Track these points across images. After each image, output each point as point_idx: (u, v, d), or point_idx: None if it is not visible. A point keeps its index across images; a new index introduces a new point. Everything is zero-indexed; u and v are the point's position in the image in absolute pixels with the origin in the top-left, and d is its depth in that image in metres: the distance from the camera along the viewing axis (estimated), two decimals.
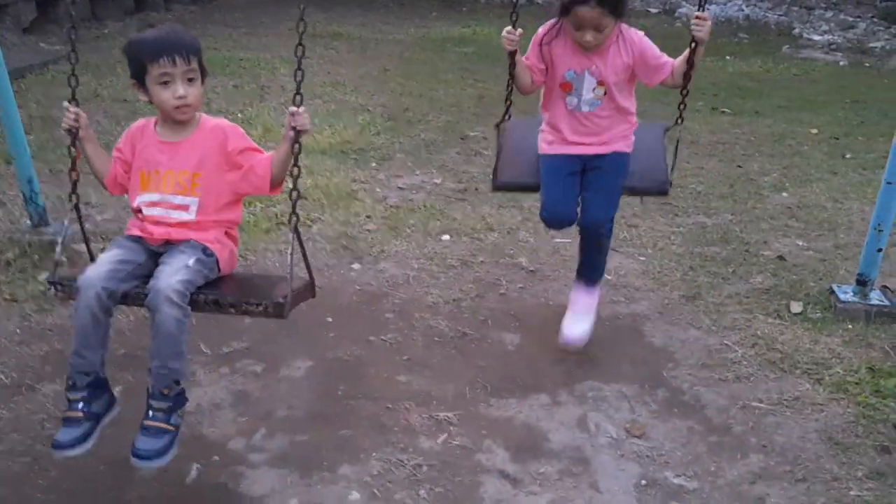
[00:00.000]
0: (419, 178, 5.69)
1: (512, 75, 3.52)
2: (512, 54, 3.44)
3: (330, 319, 3.88)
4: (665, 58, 3.47)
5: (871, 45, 10.95)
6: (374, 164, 5.90)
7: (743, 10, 12.80)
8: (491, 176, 3.71)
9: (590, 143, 3.51)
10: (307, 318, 3.87)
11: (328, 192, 5.22)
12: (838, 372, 3.56)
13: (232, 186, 2.84)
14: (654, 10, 13.08)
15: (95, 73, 7.48)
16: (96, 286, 2.55)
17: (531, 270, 4.42)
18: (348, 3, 12.57)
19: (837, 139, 6.98)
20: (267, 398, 3.30)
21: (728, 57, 9.76)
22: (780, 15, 12.73)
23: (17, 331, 3.68)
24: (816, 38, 11.32)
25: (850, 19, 12.34)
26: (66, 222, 2.95)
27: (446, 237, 4.78)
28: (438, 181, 5.66)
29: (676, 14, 12.59)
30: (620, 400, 3.36)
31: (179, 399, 2.61)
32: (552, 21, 3.46)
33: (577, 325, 3.58)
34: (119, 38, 8.97)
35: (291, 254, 2.72)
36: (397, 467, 2.94)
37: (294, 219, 2.74)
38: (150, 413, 2.56)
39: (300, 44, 2.64)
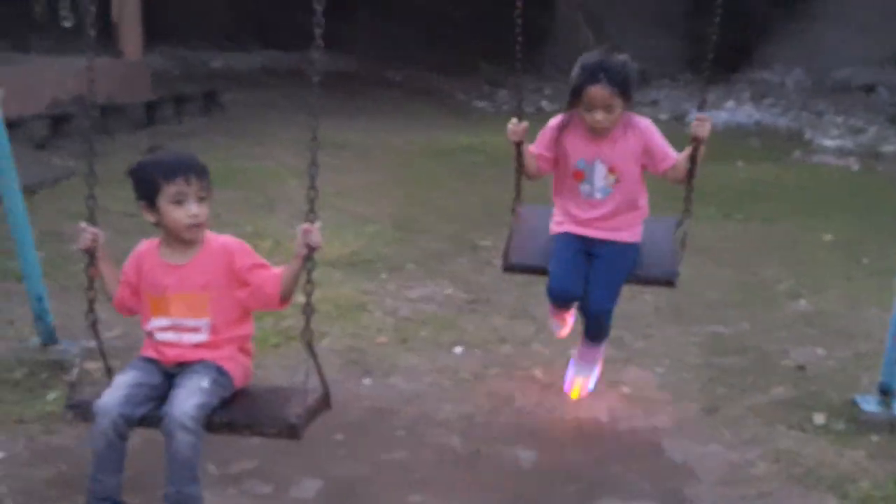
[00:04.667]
0: (429, 289, 5.67)
1: (519, 163, 3.72)
2: (517, 145, 3.66)
3: (340, 437, 3.80)
4: (670, 149, 3.62)
5: (882, 149, 11.04)
6: (383, 275, 5.89)
7: (753, 116, 12.98)
8: (502, 258, 3.84)
9: (599, 227, 3.65)
10: (317, 435, 3.76)
11: (337, 304, 5.19)
12: (864, 487, 3.45)
13: (241, 303, 2.90)
14: (663, 117, 13.28)
15: (106, 187, 7.48)
16: (113, 412, 2.64)
17: (546, 384, 4.34)
18: (355, 113, 12.80)
19: (852, 245, 6.95)
20: None
21: (739, 162, 9.84)
22: (791, 120, 12.91)
23: (24, 452, 3.60)
24: (827, 143, 11.43)
25: (861, 124, 12.49)
26: (80, 343, 3.03)
27: (458, 349, 4.73)
28: (449, 292, 5.63)
29: (686, 121, 12.77)
30: None
31: None
32: (562, 115, 3.69)
33: (581, 373, 3.84)
34: (129, 151, 9.14)
35: (307, 373, 2.75)
36: None
37: (308, 334, 2.76)
38: None
39: (313, 163, 2.72)
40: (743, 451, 3.73)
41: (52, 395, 4.00)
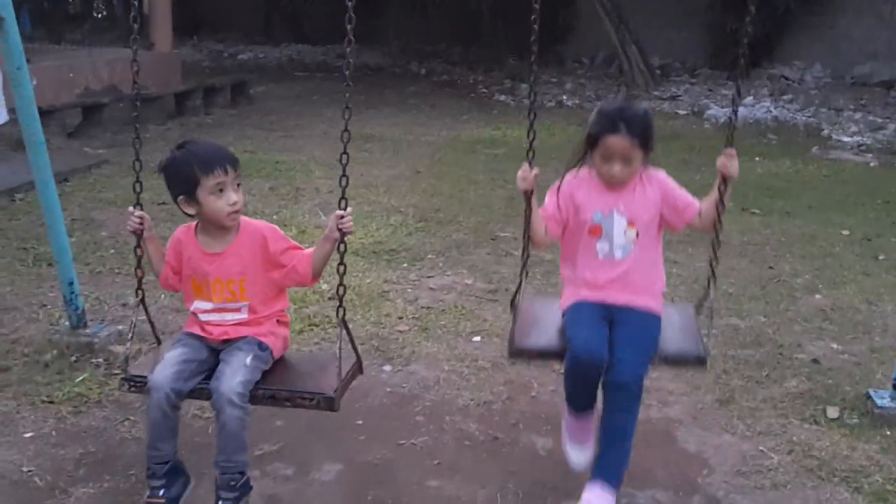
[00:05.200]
0: (450, 279, 5.74)
1: (527, 221, 3.28)
2: (528, 196, 3.22)
3: (360, 422, 3.88)
4: (691, 198, 3.32)
5: None
6: (405, 265, 5.97)
7: (771, 112, 12.93)
8: (507, 344, 3.36)
9: (619, 290, 3.26)
10: (338, 419, 3.86)
11: (360, 292, 5.27)
12: (878, 480, 3.49)
13: (276, 282, 3.13)
14: (682, 112, 13.26)
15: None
16: (165, 388, 2.86)
17: (562, 373, 4.37)
18: (381, 105, 12.89)
19: (870, 240, 6.96)
20: (297, 502, 3.29)
21: (757, 158, 9.83)
22: (809, 116, 12.84)
23: (53, 433, 3.70)
24: (846, 139, 11.38)
25: (879, 120, 12.41)
26: (133, 320, 3.26)
27: (477, 338, 4.79)
28: (469, 282, 5.70)
29: (705, 116, 12.76)
30: None
31: (245, 487, 2.93)
32: (572, 169, 3.36)
33: None
34: (160, 140, 9.25)
35: (340, 347, 3.00)
36: None
37: (342, 311, 3.00)
38: (221, 503, 2.88)
39: (345, 152, 2.88)
40: (757, 443, 3.78)
41: (80, 377, 4.10)
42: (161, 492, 2.93)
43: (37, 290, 5.20)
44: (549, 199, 3.35)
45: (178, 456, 3.02)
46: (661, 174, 3.33)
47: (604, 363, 3.03)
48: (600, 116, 3.21)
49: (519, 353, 3.36)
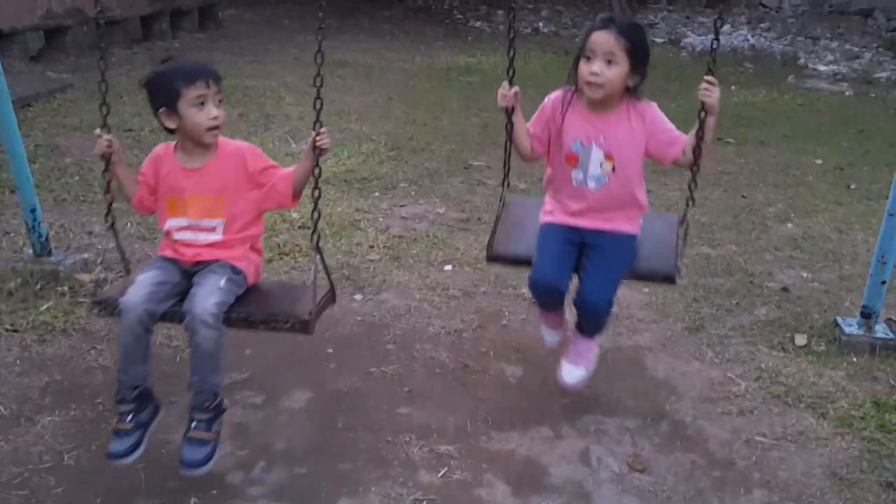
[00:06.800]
0: (422, 208, 5.69)
1: (509, 136, 3.34)
2: (508, 113, 3.29)
3: (331, 350, 3.87)
4: (677, 132, 3.24)
5: (877, 75, 10.97)
6: (377, 194, 5.91)
7: (748, 40, 12.84)
8: (486, 246, 3.53)
9: (593, 218, 3.30)
10: (308, 348, 3.86)
11: (331, 221, 5.21)
12: (843, 406, 3.53)
13: (255, 204, 3.09)
14: (659, 41, 13.13)
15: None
16: (138, 309, 2.79)
17: (533, 301, 4.39)
18: (354, 31, 12.66)
19: (842, 169, 6.98)
20: (266, 430, 3.28)
21: (733, 87, 9.79)
22: (786, 45, 12.77)
23: (17, 361, 3.65)
24: (822, 68, 11.36)
25: (856, 49, 12.38)
26: (101, 247, 3.40)
27: (448, 267, 4.77)
28: (441, 210, 5.66)
29: (682, 44, 12.64)
30: (622, 433, 3.33)
31: (218, 409, 2.88)
32: (563, 89, 3.30)
33: (574, 370, 3.32)
34: (126, 66, 9.06)
35: (315, 272, 2.99)
36: (396, 501, 2.91)
37: (316, 237, 3.03)
38: (194, 424, 2.82)
39: (318, 74, 2.88)
40: (725, 370, 3.80)
41: (45, 305, 4.04)
42: (129, 417, 2.85)
43: None
44: (537, 116, 3.35)
45: (149, 383, 2.94)
46: (651, 107, 3.24)
47: (561, 291, 3.21)
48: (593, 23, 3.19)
49: (496, 259, 3.52)
